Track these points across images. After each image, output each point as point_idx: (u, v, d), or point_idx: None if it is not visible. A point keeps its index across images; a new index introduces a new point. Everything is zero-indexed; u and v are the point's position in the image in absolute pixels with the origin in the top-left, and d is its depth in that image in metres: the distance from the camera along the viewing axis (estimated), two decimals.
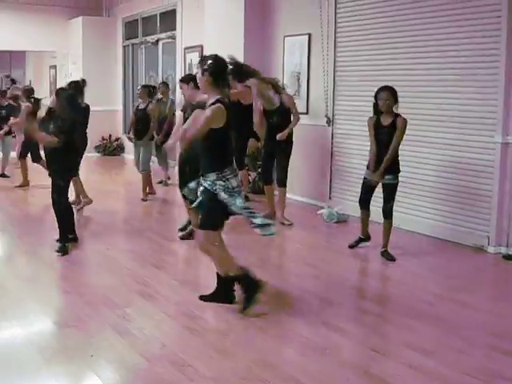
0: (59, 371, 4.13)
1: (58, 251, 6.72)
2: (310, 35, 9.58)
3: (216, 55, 5.13)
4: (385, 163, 6.57)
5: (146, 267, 6.39)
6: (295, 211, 9.15)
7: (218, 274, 5.25)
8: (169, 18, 14.03)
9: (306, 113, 9.69)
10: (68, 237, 6.95)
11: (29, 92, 11.62)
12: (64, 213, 6.91)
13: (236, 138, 7.95)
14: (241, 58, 10.24)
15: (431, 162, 7.72)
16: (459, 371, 4.12)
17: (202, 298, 5.29)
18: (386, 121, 6.67)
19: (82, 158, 8.89)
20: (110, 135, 16.36)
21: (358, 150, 8.46)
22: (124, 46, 16.33)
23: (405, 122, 6.60)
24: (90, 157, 11.56)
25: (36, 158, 10.67)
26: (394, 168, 6.67)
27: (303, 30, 9.69)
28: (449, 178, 7.55)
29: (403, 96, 7.93)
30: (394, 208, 6.84)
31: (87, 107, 9.48)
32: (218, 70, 5.01)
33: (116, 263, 6.58)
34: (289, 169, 8.47)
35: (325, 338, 4.65)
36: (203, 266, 5.55)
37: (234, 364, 4.17)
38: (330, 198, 9.24)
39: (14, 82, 21.02)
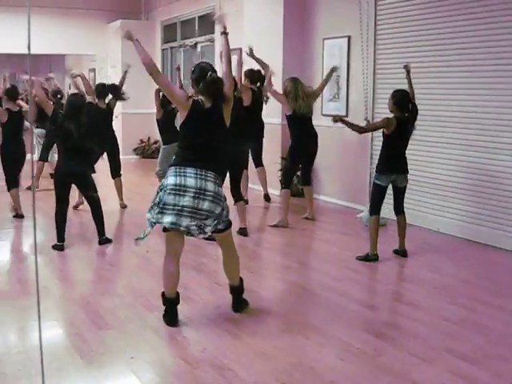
0: (100, 373, 4.15)
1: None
2: (349, 38, 9.52)
3: (199, 63, 5.26)
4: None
5: (185, 270, 6.34)
6: (334, 214, 9.14)
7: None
8: (207, 22, 14.04)
9: (346, 115, 9.62)
10: None
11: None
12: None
13: (245, 138, 8.01)
14: (280, 61, 10.28)
15: (464, 165, 7.70)
16: (506, 381, 4.05)
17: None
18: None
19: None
20: (149, 137, 16.45)
21: None
22: (162, 50, 16.41)
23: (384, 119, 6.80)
24: (128, 159, 11.61)
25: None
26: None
27: (343, 32, 9.63)
28: (482, 181, 7.50)
29: (442, 99, 7.90)
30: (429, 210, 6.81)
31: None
32: (196, 77, 5.00)
33: (155, 266, 6.57)
34: (327, 171, 8.50)
35: (365, 343, 4.60)
36: (242, 268, 5.53)
37: (274, 368, 4.15)
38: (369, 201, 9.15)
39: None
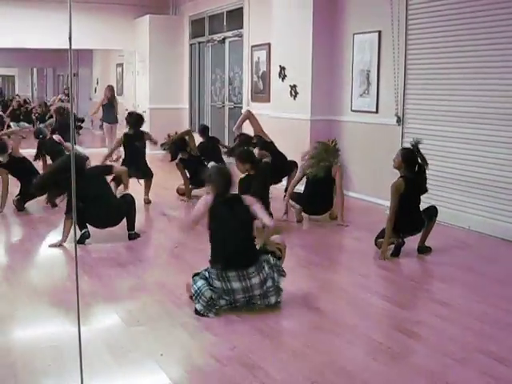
0: (129, 370, 4.12)
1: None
2: (379, 32, 9.41)
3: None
4: None
5: None
6: (362, 211, 9.05)
7: None
8: (236, 16, 14.02)
9: (376, 112, 9.54)
10: None
11: None
12: None
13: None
14: (309, 56, 10.21)
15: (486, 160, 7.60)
16: None
17: None
18: None
19: None
20: (176, 132, 16.41)
21: (428, 149, 8.26)
22: (191, 45, 16.40)
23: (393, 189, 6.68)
24: (155, 154, 11.57)
25: None
26: None
27: (373, 27, 9.52)
28: (504, 177, 7.41)
29: (476, 94, 7.77)
30: (472, 210, 6.66)
31: None
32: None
33: (184, 261, 6.57)
34: (356, 167, 8.40)
35: (397, 342, 4.53)
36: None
37: (305, 367, 4.09)
38: None
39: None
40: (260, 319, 4.90)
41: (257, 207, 5.07)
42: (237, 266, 4.92)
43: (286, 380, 3.94)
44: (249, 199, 5.13)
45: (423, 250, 6.81)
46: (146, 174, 9.82)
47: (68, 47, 2.82)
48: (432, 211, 6.87)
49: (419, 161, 6.66)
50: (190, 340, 4.53)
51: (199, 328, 4.71)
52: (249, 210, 5.03)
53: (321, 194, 8.22)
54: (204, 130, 11.27)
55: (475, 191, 7.84)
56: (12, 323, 4.93)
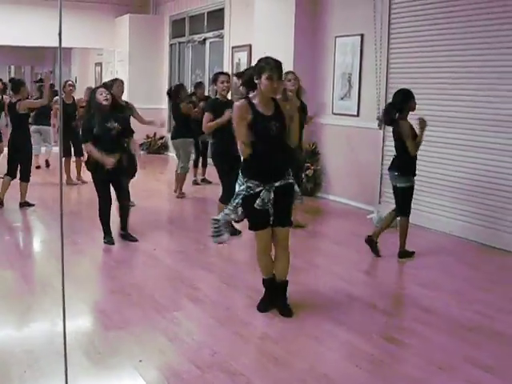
0: (107, 376, 4.03)
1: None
2: (362, 36, 9.37)
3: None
4: None
5: (193, 269, 6.26)
6: (343, 215, 8.99)
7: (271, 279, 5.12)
8: (216, 17, 13.93)
9: (357, 115, 9.50)
10: None
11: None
12: None
13: None
14: (290, 58, 10.13)
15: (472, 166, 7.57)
16: None
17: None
18: None
19: None
20: (155, 133, 16.31)
21: None
22: (171, 45, 16.29)
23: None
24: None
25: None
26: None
27: (355, 30, 9.48)
28: (497, 184, 7.36)
29: (457, 99, 7.75)
30: (453, 215, 6.65)
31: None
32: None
33: (163, 264, 6.47)
34: (337, 171, 8.34)
35: (381, 349, 4.46)
36: (252, 268, 5.42)
37: (288, 374, 4.01)
38: (379, 202, 9.03)
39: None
40: (241, 324, 4.82)
41: None
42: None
43: None
44: None
45: (404, 254, 6.76)
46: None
47: (47, 45, 2.71)
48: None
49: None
50: (170, 345, 4.42)
51: (178, 333, 4.61)
52: None
53: None
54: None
55: (456, 196, 7.83)
56: None
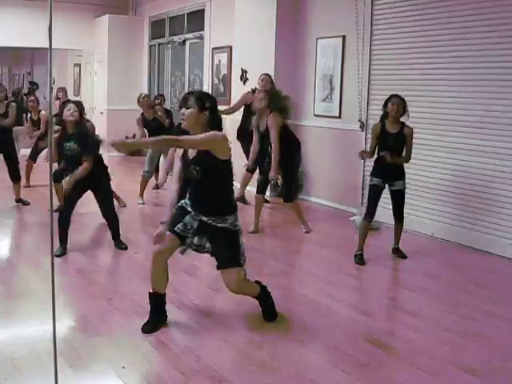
0: (89, 382, 3.93)
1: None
2: (344, 37, 9.34)
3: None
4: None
5: (176, 273, 6.13)
6: (326, 217, 8.95)
7: (158, 294, 4.84)
8: (197, 18, 13.85)
9: (339, 117, 9.47)
10: None
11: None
12: None
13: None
14: (271, 60, 10.09)
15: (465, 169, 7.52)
16: None
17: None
18: (392, 128, 6.61)
19: None
20: (134, 135, 16.16)
21: None
22: (150, 46, 16.18)
23: (412, 130, 6.65)
24: (112, 157, 11.35)
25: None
26: (402, 175, 6.76)
27: (337, 32, 9.44)
28: (479, 186, 7.38)
29: (440, 101, 7.74)
30: (435, 217, 6.64)
31: None
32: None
33: (144, 268, 6.34)
34: (319, 173, 8.31)
35: (366, 354, 4.41)
36: None
37: (274, 380, 3.95)
38: (362, 204, 8.99)
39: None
40: (225, 329, 4.75)
41: None
42: None
43: None
44: None
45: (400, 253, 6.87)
46: None
47: (25, 46, 2.64)
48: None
49: None
50: (153, 351, 4.34)
51: (162, 339, 4.53)
52: None
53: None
54: None
55: (439, 198, 7.82)
56: None
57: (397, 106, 6.55)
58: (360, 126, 9.02)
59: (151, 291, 4.79)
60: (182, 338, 4.60)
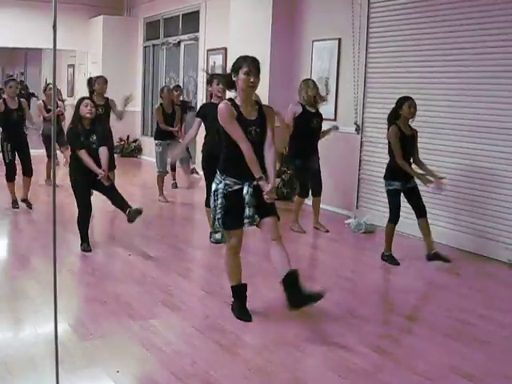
0: None
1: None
2: (339, 40, 9.32)
3: None
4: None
5: (170, 275, 6.15)
6: (322, 220, 8.91)
7: (240, 285, 5.09)
8: (192, 20, 13.82)
9: (334, 119, 9.44)
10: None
11: None
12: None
13: None
14: (267, 62, 10.05)
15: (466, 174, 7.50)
16: None
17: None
18: (407, 131, 6.66)
19: None
20: (128, 136, 16.15)
21: (387, 158, 8.19)
22: (145, 47, 16.15)
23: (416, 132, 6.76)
24: None
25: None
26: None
27: (333, 34, 9.43)
28: (475, 190, 7.38)
29: (436, 105, 7.72)
30: (431, 221, 6.64)
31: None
32: None
33: (138, 271, 6.34)
34: None
35: (363, 358, 4.37)
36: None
37: None
38: (357, 207, 8.98)
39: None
40: (220, 333, 4.71)
41: None
42: None
43: None
44: None
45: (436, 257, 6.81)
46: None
47: (19, 46, 2.60)
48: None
49: None
50: (148, 355, 4.29)
51: (156, 342, 4.49)
52: None
53: None
54: None
55: (434, 201, 7.79)
56: None
57: (414, 108, 6.57)
58: (356, 129, 8.99)
59: (233, 284, 5.05)
60: (177, 341, 4.55)
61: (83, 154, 6.72)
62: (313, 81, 8.18)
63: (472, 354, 4.54)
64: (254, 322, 4.93)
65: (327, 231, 8.11)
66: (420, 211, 6.79)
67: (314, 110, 7.93)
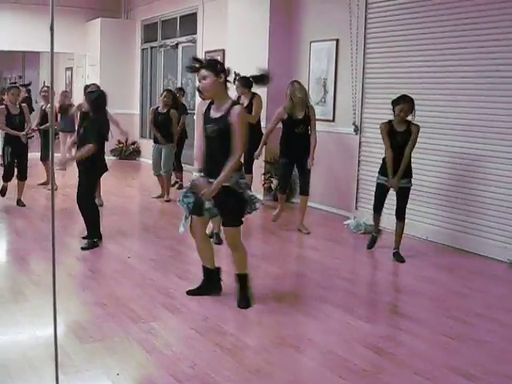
0: None
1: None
2: (337, 41, 9.32)
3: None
4: (402, 167, 6.80)
5: (169, 277, 6.14)
6: (321, 221, 8.93)
7: (205, 267, 5.51)
8: (189, 22, 13.82)
9: (333, 120, 9.45)
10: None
11: None
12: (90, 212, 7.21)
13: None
14: (265, 63, 10.05)
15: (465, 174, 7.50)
16: None
17: (190, 292, 5.53)
18: (400, 127, 6.77)
19: None
20: (127, 139, 16.13)
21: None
22: (142, 49, 16.14)
23: (419, 128, 6.79)
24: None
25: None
26: (408, 172, 6.88)
27: (331, 35, 9.43)
28: (472, 189, 7.38)
29: (434, 105, 7.72)
30: (430, 221, 6.62)
31: None
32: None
33: (138, 273, 6.33)
34: (312, 176, 8.33)
35: (364, 359, 4.37)
36: (229, 276, 5.32)
37: None
38: (356, 208, 8.97)
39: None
40: (220, 335, 4.71)
41: None
42: None
43: None
44: None
45: (398, 256, 6.89)
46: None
47: (16, 49, 2.60)
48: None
49: None
50: (148, 357, 4.29)
51: (156, 345, 4.48)
52: None
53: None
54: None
55: (431, 201, 7.80)
56: None
57: (404, 112, 6.70)
58: (354, 130, 8.99)
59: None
60: (177, 343, 4.54)
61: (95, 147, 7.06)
62: (299, 82, 8.19)
63: (472, 354, 4.54)
64: (253, 324, 4.93)
65: (308, 233, 8.11)
66: (397, 214, 6.97)
67: (301, 116, 7.93)
